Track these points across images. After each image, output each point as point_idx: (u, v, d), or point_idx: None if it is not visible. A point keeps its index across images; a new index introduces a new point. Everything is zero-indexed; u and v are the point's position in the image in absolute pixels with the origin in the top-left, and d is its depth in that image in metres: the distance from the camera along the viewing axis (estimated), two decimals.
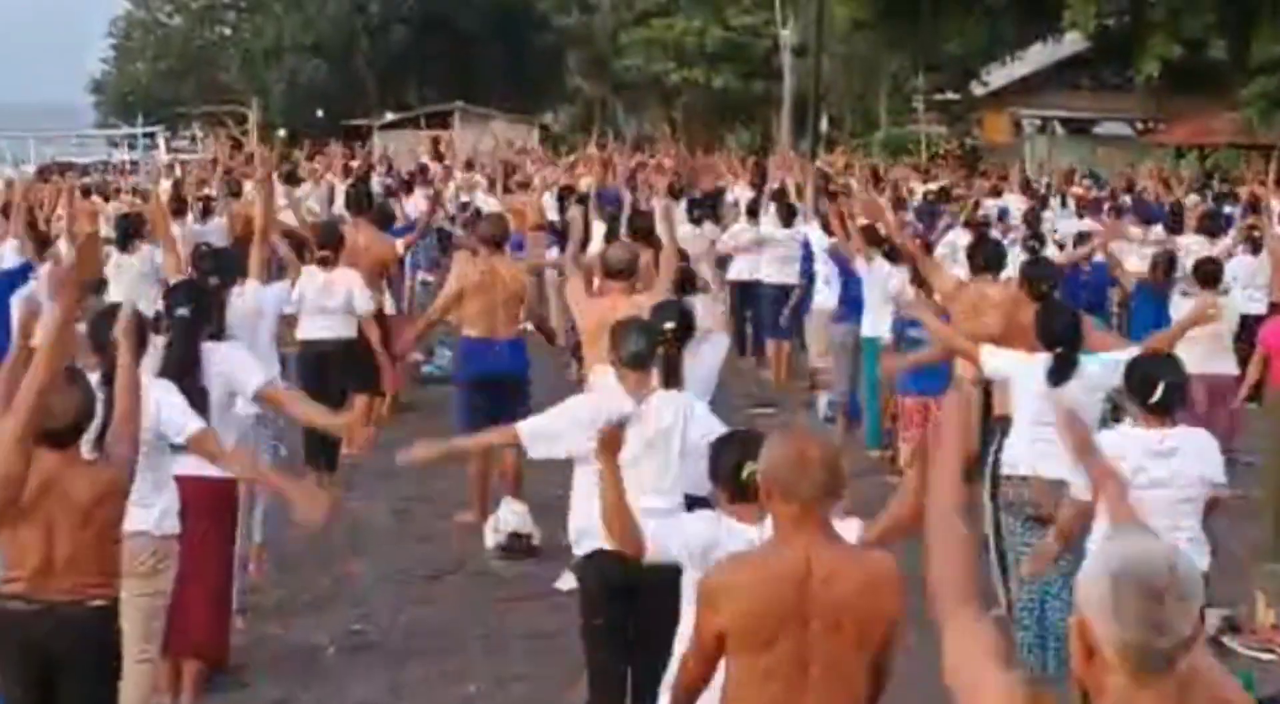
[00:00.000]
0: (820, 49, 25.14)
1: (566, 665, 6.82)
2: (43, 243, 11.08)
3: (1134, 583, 2.51)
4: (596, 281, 8.47)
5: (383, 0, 55.96)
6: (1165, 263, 11.19)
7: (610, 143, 25.76)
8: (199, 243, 10.41)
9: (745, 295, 15.28)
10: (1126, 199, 20.13)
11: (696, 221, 14.91)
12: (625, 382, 5.99)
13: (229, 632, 6.99)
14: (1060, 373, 7.02)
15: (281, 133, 39.30)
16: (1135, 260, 12.64)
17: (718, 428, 5.56)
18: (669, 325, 6.19)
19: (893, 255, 11.13)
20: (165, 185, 17.25)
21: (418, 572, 8.89)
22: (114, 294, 9.85)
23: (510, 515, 9.19)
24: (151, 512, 5.74)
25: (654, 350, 6.02)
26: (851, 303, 11.78)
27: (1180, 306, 10.11)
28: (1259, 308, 12.37)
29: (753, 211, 15.53)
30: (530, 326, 10.45)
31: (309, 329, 10.42)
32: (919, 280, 10.19)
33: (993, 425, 8.01)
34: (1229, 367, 10.28)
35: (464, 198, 19.50)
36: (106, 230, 12.94)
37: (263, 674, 7.21)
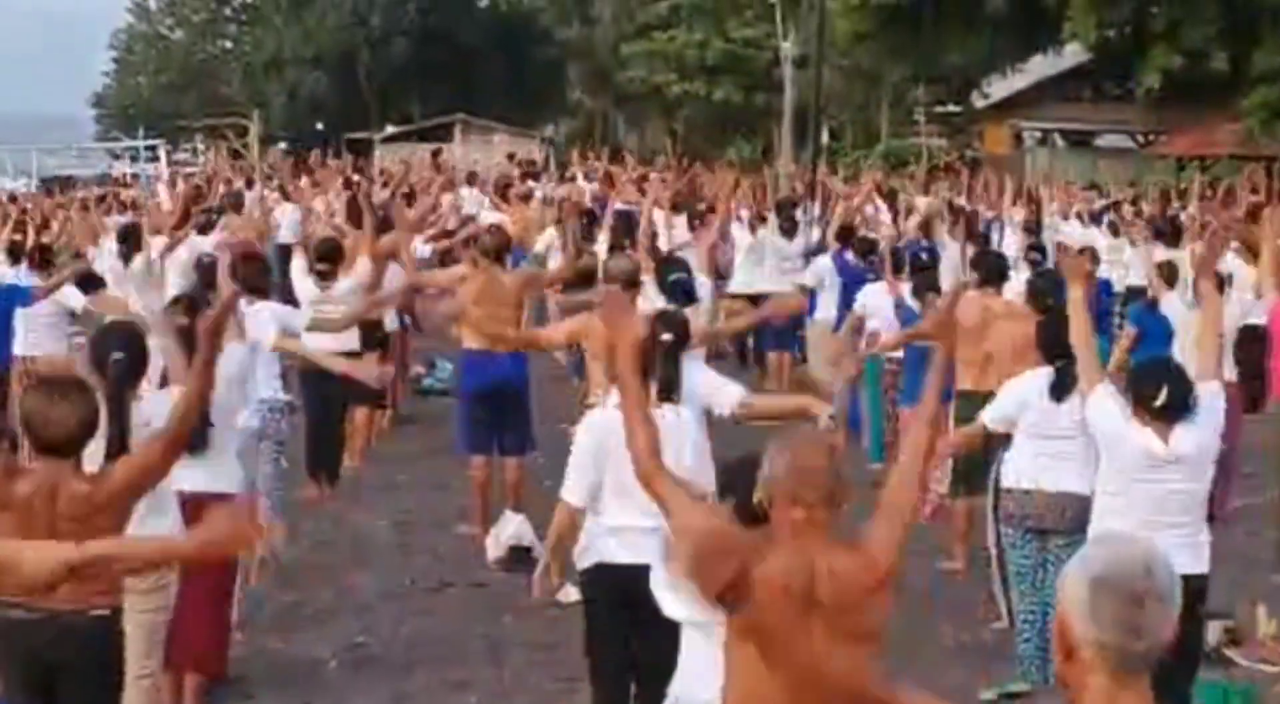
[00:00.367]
0: (821, 61, 25.18)
1: (568, 677, 6.82)
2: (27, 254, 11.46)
3: (1112, 586, 2.58)
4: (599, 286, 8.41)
5: (383, 13, 56.04)
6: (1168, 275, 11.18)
7: (604, 157, 25.59)
8: (201, 254, 10.41)
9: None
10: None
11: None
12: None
13: (228, 645, 6.98)
14: (1062, 386, 7.00)
15: (282, 145, 39.36)
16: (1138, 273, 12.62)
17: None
18: (666, 337, 5.95)
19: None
20: (163, 196, 17.26)
21: (420, 584, 8.88)
22: None
23: (512, 527, 9.19)
24: (156, 531, 5.71)
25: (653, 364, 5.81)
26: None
27: (1187, 318, 10.09)
28: (1258, 318, 12.32)
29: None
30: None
31: (310, 342, 10.36)
32: (920, 293, 10.19)
33: (995, 439, 8.00)
34: (1227, 374, 10.24)
35: (466, 210, 19.47)
36: (110, 245, 12.95)
37: (265, 687, 7.22)
